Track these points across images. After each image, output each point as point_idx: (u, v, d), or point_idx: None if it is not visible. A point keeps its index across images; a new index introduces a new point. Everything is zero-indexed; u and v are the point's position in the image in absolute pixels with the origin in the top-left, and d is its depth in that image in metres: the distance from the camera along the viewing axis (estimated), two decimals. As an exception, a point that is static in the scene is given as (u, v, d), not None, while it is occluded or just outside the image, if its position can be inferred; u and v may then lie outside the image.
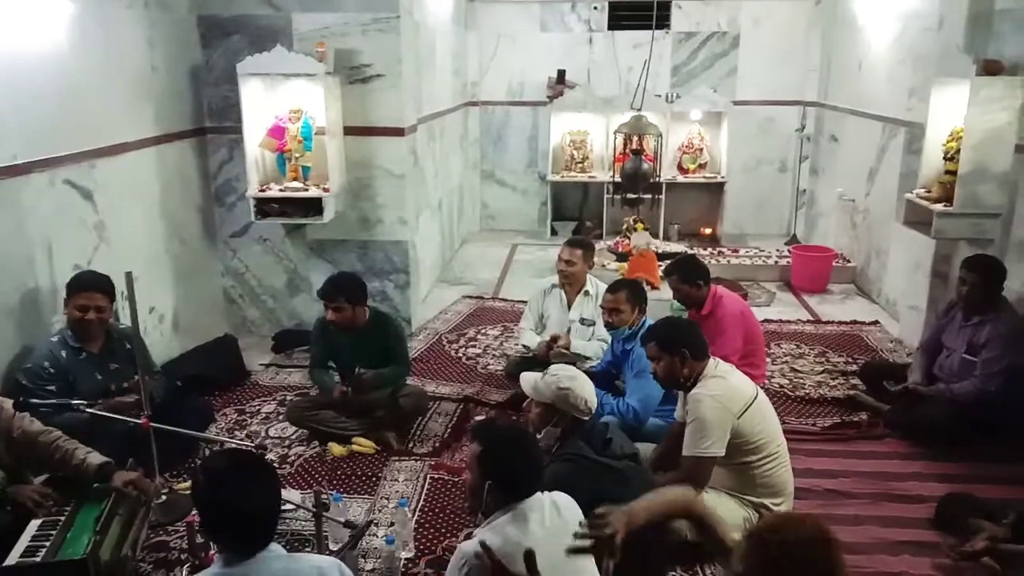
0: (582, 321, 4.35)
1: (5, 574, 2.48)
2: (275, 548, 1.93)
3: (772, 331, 5.43)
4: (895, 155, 5.76)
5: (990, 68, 4.13)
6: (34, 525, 2.69)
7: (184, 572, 2.94)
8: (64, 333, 3.42)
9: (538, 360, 4.08)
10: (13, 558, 2.52)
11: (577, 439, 2.57)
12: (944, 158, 4.50)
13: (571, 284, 4.40)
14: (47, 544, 2.60)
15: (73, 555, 2.56)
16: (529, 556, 1.83)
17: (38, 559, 2.53)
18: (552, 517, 2.17)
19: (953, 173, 4.31)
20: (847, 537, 3.12)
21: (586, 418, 2.63)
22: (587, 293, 4.37)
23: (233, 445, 3.43)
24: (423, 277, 5.93)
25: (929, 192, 4.57)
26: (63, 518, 2.74)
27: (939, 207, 4.34)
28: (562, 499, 2.25)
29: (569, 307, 4.40)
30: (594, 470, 2.49)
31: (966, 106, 4.14)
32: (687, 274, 4.12)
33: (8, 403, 2.89)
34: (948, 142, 4.47)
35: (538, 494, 2.19)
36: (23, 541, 2.60)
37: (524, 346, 4.43)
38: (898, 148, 5.69)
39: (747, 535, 1.72)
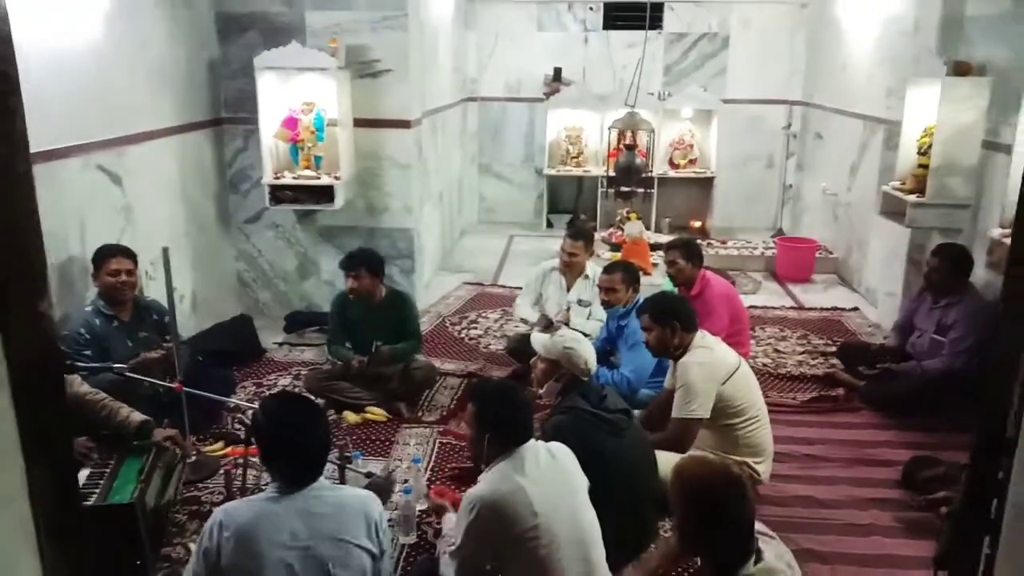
0: (579, 302, 4.61)
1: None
2: (322, 480, 2.20)
3: (757, 316, 5.71)
4: (875, 151, 6.06)
5: (960, 69, 4.43)
6: (83, 474, 2.94)
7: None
8: (97, 303, 3.65)
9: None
10: (68, 501, 2.79)
11: (576, 394, 2.87)
12: (918, 153, 4.79)
13: (572, 271, 4.67)
14: (96, 491, 2.86)
15: (122, 500, 2.82)
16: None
17: (90, 503, 2.80)
18: (546, 459, 2.44)
19: (926, 167, 4.60)
20: (823, 494, 3.45)
21: (585, 378, 2.92)
22: (586, 276, 4.62)
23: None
24: (426, 264, 6.21)
25: (904, 184, 4.87)
26: (108, 469, 3.01)
27: (912, 198, 4.64)
28: (555, 445, 2.53)
29: (568, 289, 4.67)
30: (590, 420, 2.79)
31: (938, 104, 4.44)
32: (690, 250, 4.41)
33: (57, 365, 3.16)
34: (922, 138, 4.77)
35: (532, 441, 2.46)
36: (75, 488, 2.87)
37: (522, 319, 4.67)
38: (878, 144, 5.99)
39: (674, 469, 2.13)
